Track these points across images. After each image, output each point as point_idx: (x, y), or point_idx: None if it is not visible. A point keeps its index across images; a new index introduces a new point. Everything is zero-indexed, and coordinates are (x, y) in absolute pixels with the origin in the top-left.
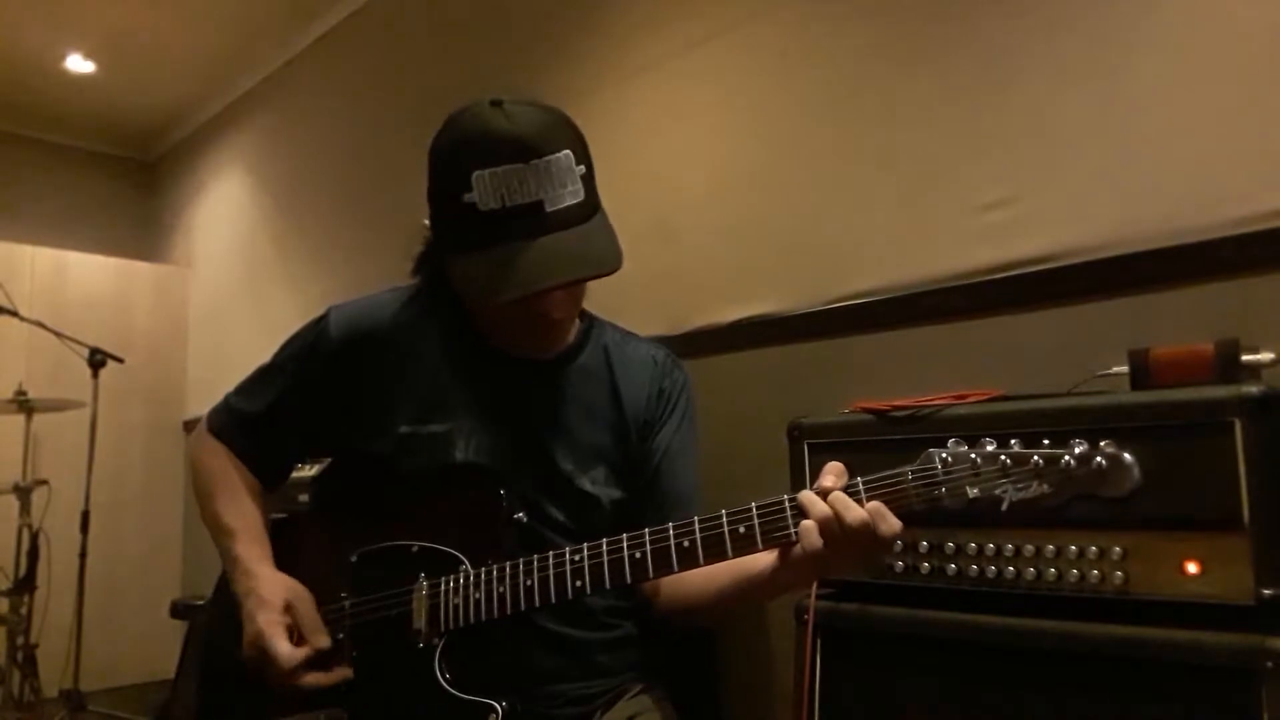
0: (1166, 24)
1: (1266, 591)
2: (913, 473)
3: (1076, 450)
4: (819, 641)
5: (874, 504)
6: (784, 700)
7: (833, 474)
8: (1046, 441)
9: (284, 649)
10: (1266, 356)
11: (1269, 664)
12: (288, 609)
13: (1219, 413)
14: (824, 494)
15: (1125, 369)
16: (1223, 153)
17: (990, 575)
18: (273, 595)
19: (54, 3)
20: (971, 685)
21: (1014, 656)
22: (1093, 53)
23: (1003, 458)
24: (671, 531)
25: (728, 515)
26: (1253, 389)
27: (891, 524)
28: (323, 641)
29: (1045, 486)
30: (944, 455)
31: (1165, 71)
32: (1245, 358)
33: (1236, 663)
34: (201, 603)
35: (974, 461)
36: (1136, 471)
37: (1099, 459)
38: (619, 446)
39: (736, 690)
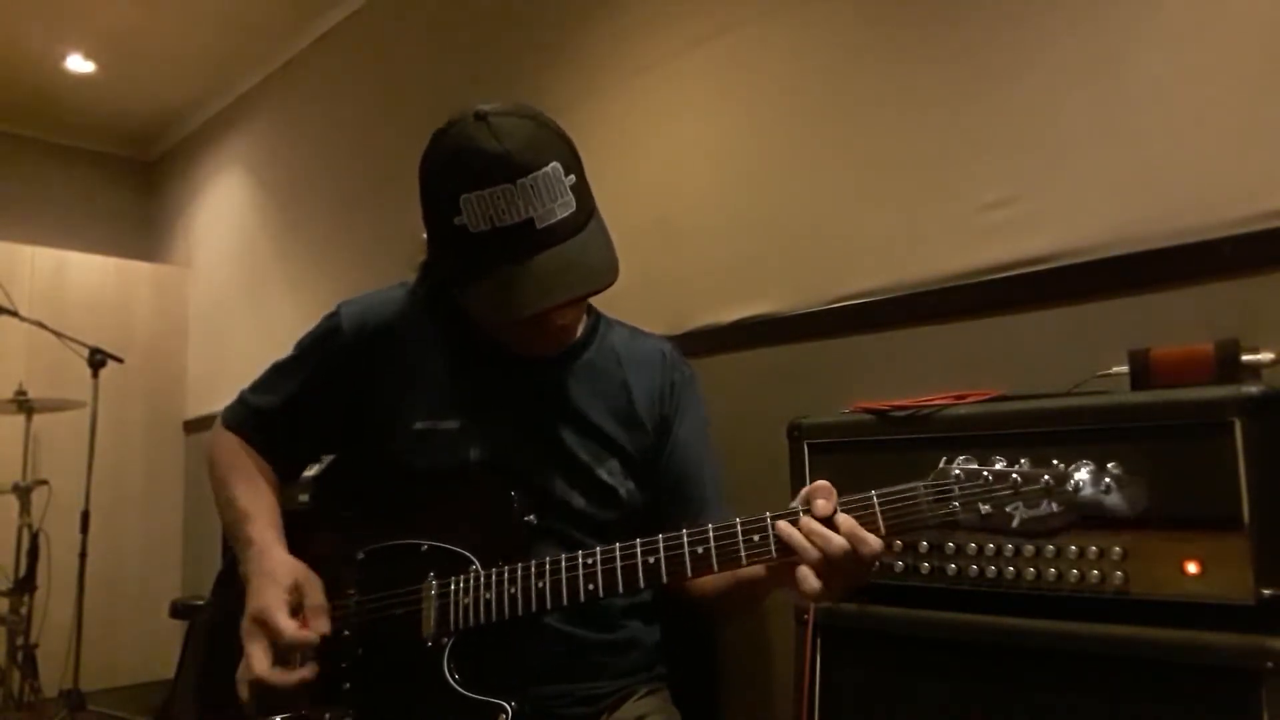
0: (1167, 24)
1: (1266, 591)
2: (925, 488)
3: (1084, 470)
4: (819, 641)
5: (850, 529)
6: (784, 700)
7: (822, 497)
8: (1056, 461)
9: (287, 624)
10: (1266, 356)
11: (1269, 664)
12: (295, 589)
13: (1219, 413)
14: (825, 521)
15: (1125, 369)
16: (1223, 153)
17: (990, 575)
18: (283, 574)
19: (54, 3)
20: (972, 685)
21: (1014, 656)
22: (1093, 53)
23: (1014, 475)
24: (686, 538)
25: (742, 524)
26: (1253, 389)
27: (872, 544)
28: (323, 626)
29: (1054, 505)
30: (956, 471)
31: (1166, 71)
32: (1245, 358)
33: (1236, 663)
34: (201, 603)
35: (985, 479)
36: (1145, 492)
37: (1107, 480)
38: (631, 440)
39: (737, 690)
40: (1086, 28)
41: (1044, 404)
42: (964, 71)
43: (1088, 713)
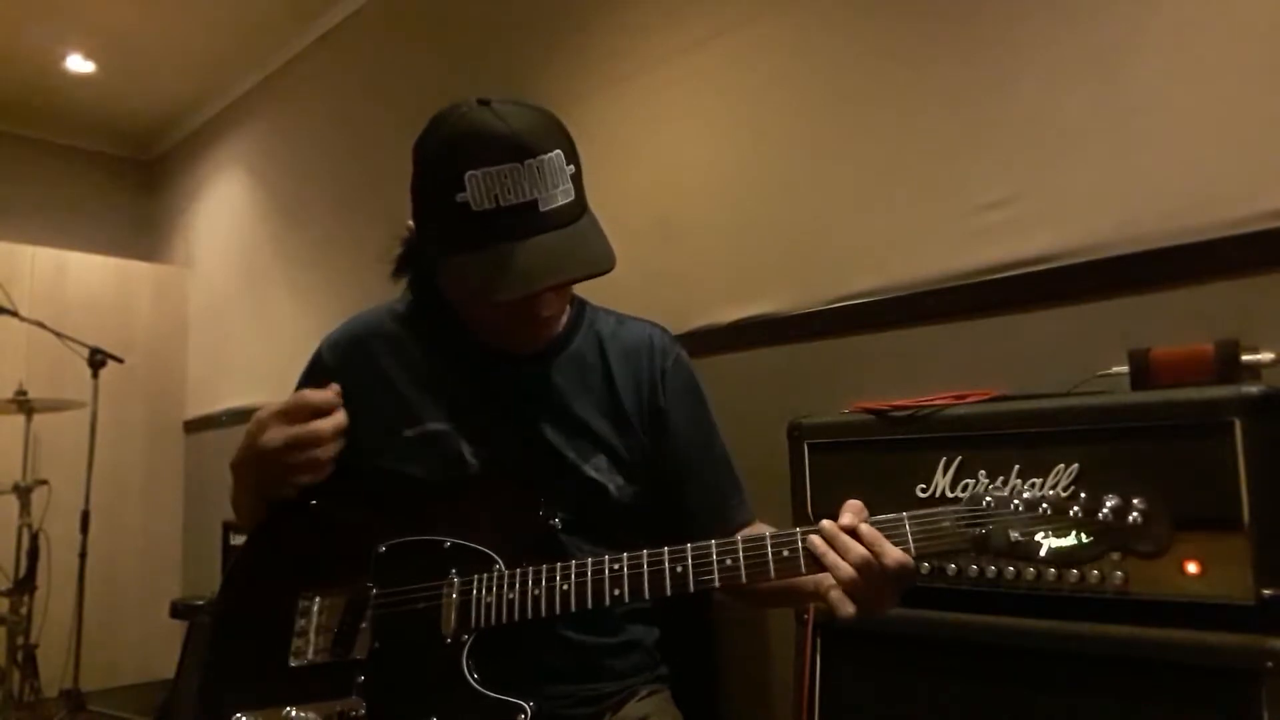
0: (1167, 24)
1: (1266, 591)
2: (955, 512)
3: (1109, 504)
4: (819, 641)
5: (873, 538)
6: (784, 700)
7: (851, 512)
8: (1084, 495)
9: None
10: (1266, 356)
11: (1269, 664)
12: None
13: (1219, 413)
14: (850, 532)
15: (1125, 369)
16: (1223, 153)
17: (990, 575)
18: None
19: (54, 3)
20: (971, 685)
21: (1014, 656)
22: (1093, 53)
23: (1043, 506)
24: (714, 549)
25: (772, 537)
26: (1253, 389)
27: (892, 555)
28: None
29: (1083, 537)
30: (987, 498)
31: (1166, 71)
32: (1245, 358)
33: (1236, 663)
34: (202, 603)
35: (1015, 507)
36: (1171, 527)
37: (1134, 515)
38: (619, 435)
39: (737, 690)
40: (1086, 28)
41: (1044, 404)
42: (964, 71)
43: (1088, 713)
